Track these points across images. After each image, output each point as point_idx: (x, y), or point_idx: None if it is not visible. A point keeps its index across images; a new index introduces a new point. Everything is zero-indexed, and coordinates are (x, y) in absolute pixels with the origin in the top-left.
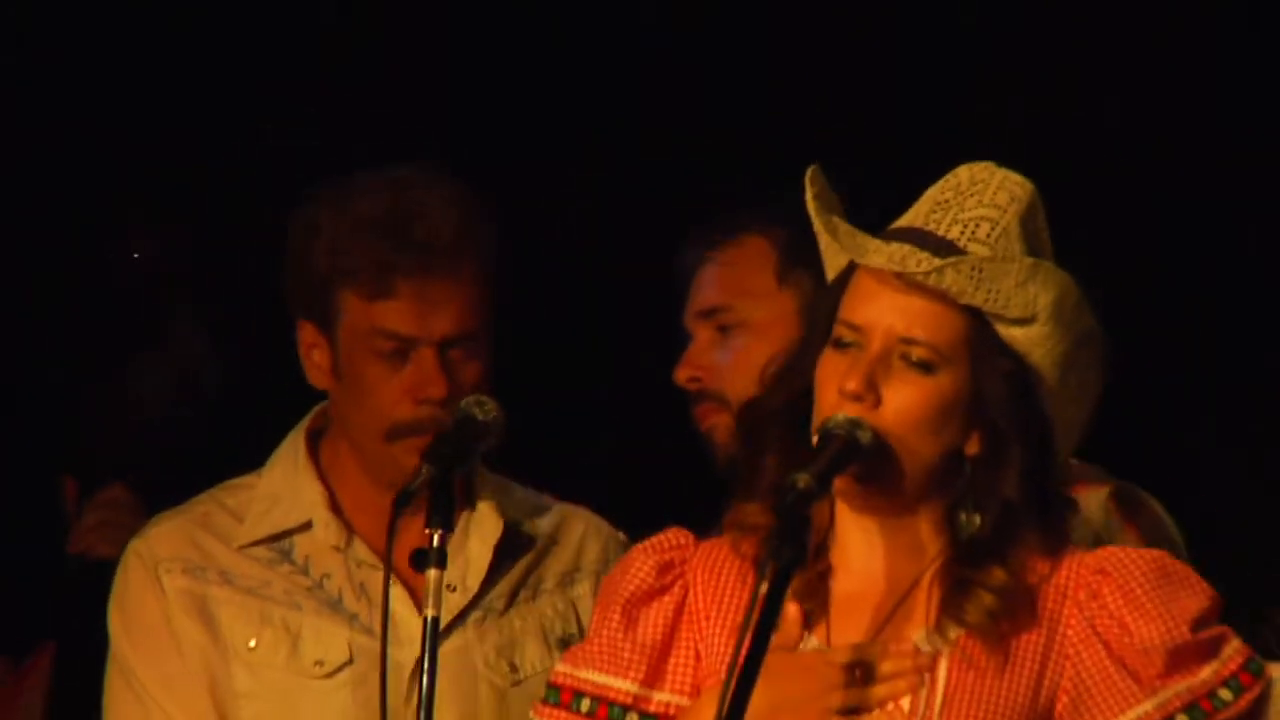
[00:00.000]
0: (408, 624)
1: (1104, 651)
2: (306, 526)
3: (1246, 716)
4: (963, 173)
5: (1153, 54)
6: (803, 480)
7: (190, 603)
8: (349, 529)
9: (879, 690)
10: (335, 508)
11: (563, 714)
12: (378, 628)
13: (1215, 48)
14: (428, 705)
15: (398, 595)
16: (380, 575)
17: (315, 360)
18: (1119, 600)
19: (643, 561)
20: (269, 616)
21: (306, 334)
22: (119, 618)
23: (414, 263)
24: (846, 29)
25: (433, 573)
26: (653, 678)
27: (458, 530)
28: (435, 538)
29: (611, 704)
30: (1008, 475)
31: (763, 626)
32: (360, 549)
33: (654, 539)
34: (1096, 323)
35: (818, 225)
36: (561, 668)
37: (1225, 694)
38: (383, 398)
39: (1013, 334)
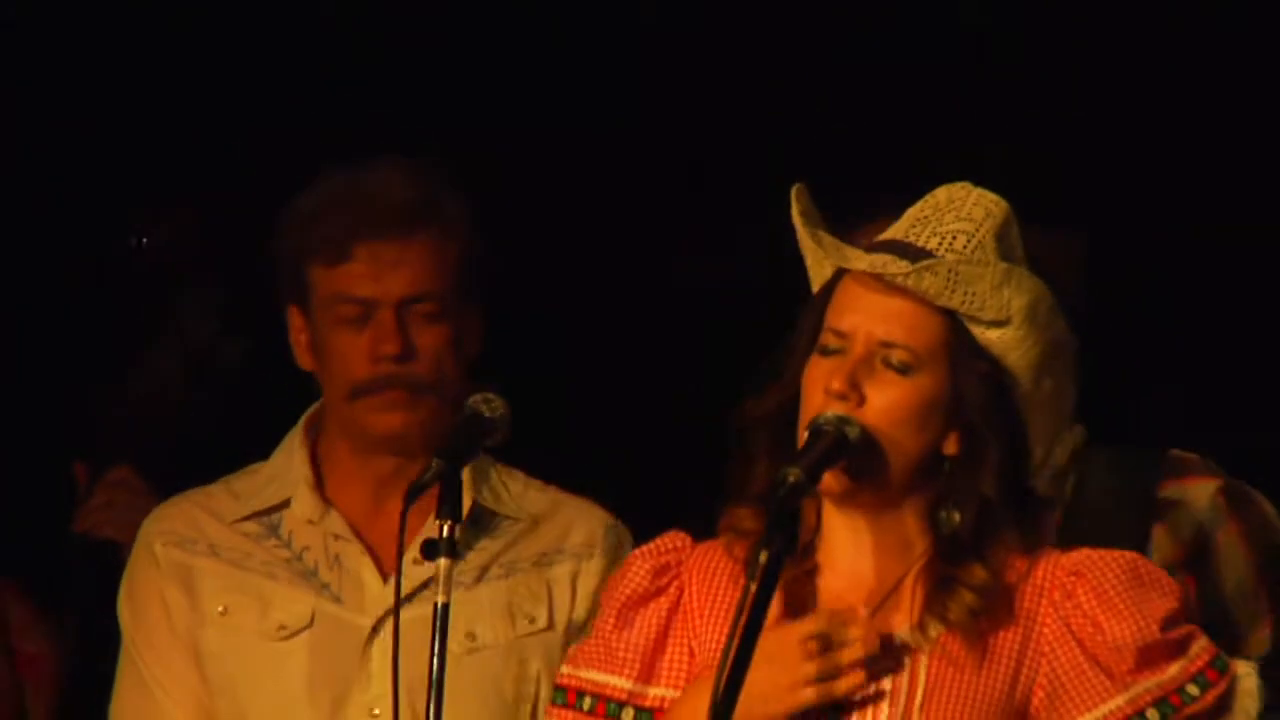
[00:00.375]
0: (370, 590)
1: (1078, 649)
2: (289, 503)
3: (1213, 711)
4: (940, 192)
5: (1153, 54)
6: (793, 474)
7: (177, 573)
8: (326, 503)
9: (844, 654)
10: (318, 486)
11: (569, 713)
12: (346, 596)
13: (1215, 47)
14: (438, 690)
15: (365, 565)
16: (353, 547)
17: (302, 343)
18: (1092, 600)
19: (639, 565)
20: (244, 585)
21: (294, 319)
22: (126, 591)
23: (367, 225)
24: (846, 29)
25: (443, 561)
26: (647, 674)
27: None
28: (444, 528)
29: (609, 700)
30: (985, 474)
31: (754, 617)
32: (336, 522)
33: (652, 543)
34: (1070, 330)
35: (803, 238)
36: (565, 669)
37: (1193, 689)
38: (348, 362)
39: (989, 337)
